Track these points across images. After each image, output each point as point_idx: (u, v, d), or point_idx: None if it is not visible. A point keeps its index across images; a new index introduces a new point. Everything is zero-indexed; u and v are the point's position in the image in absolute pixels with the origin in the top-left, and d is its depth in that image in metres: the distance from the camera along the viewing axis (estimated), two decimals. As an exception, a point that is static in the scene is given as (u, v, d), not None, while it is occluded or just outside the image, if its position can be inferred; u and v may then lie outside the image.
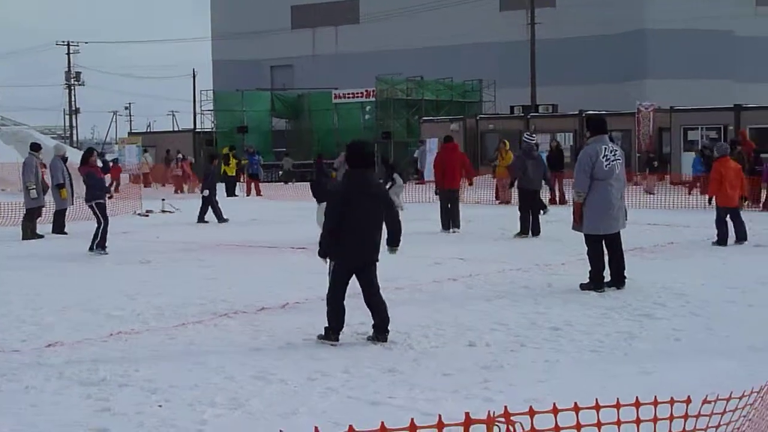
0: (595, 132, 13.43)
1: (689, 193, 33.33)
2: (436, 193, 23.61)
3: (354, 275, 10.16)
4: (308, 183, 27.18)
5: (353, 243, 10.00)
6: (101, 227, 18.87)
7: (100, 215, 18.96)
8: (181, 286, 14.26)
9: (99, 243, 18.79)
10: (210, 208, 26.45)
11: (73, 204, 23.78)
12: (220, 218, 26.32)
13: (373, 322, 10.17)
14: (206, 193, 26.48)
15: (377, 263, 10.30)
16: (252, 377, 8.62)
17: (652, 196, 32.14)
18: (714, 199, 19.15)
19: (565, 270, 15.26)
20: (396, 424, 4.49)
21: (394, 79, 56.71)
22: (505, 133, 43.76)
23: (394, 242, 10.42)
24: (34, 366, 9.22)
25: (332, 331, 10.05)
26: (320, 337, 10.08)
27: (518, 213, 21.37)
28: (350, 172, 10.23)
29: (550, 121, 48.33)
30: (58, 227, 23.31)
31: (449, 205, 22.64)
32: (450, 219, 22.35)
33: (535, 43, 56.65)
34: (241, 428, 6.82)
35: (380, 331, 10.12)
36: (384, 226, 10.25)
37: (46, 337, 10.62)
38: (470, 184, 26.40)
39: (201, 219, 26.41)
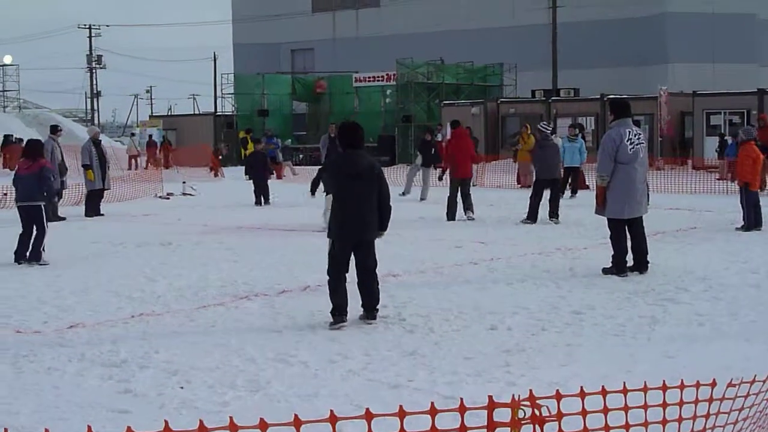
0: (618, 115, 13.33)
1: (722, 179, 32.43)
2: (440, 179, 23.28)
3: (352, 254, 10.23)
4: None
5: (346, 221, 10.08)
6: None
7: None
8: (202, 269, 14.26)
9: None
10: (258, 189, 26.46)
11: (105, 186, 23.70)
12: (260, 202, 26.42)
13: (361, 302, 10.20)
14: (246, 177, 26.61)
15: (374, 243, 10.35)
16: (272, 359, 8.60)
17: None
18: (746, 184, 18.43)
19: (587, 254, 15.18)
20: (416, 408, 4.43)
21: (415, 63, 56.52)
22: (526, 117, 43.56)
23: (380, 226, 10.38)
24: (56, 347, 9.23)
25: (336, 312, 10.04)
26: (331, 324, 10.03)
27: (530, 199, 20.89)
28: (342, 153, 10.43)
29: (571, 105, 48.08)
30: (92, 209, 23.22)
31: (460, 195, 21.37)
32: (465, 207, 21.39)
33: (557, 27, 56.35)
34: (262, 410, 6.78)
35: (369, 310, 10.19)
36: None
37: (67, 319, 10.63)
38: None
39: (266, 200, 26.36)
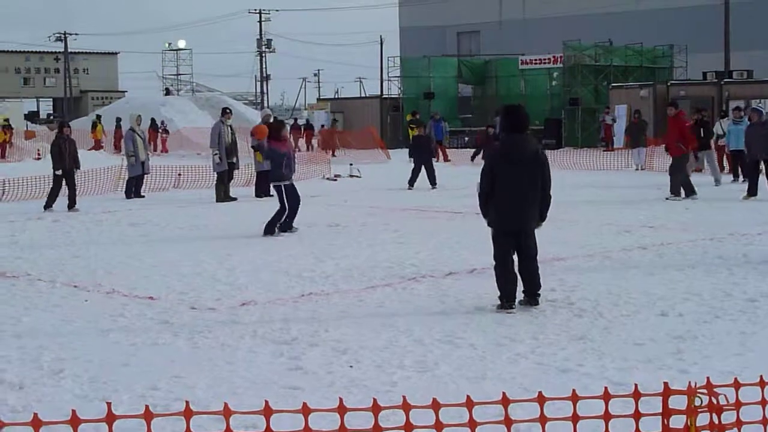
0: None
1: None
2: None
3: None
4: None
5: (507, 207, 9.94)
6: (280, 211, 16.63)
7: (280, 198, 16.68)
8: (369, 250, 14.41)
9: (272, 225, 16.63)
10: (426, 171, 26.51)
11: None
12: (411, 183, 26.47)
13: (523, 288, 10.10)
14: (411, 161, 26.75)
15: (536, 230, 10.21)
16: (440, 341, 8.63)
17: None
18: None
19: (762, 240, 14.73)
20: (586, 393, 4.42)
21: (582, 45, 55.72)
22: (697, 100, 42.46)
23: (540, 216, 10.21)
24: (229, 324, 9.48)
25: (504, 299, 9.97)
26: (498, 307, 10.01)
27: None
28: (506, 136, 10.20)
29: (744, 88, 46.64)
30: (264, 190, 23.40)
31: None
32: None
33: (729, 6, 54.68)
34: (430, 391, 6.81)
35: (530, 296, 10.08)
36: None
37: (239, 297, 10.90)
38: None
39: (433, 183, 26.40)
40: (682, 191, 21.36)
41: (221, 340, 8.82)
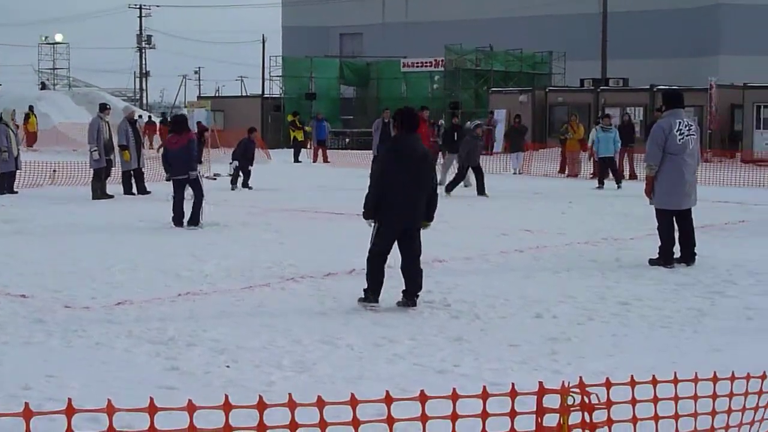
0: (670, 106, 13.23)
1: None
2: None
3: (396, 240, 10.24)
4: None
5: (398, 206, 10.04)
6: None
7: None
8: (249, 249, 14.34)
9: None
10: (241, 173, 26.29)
11: (141, 165, 23.89)
12: (234, 184, 26.17)
13: (404, 287, 10.20)
14: (235, 164, 26.37)
15: (422, 231, 10.35)
16: (318, 341, 8.64)
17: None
18: None
19: (634, 245, 15.09)
20: (464, 393, 4.42)
21: (463, 49, 56.35)
22: (575, 106, 43.30)
23: (427, 217, 10.39)
24: (105, 323, 9.33)
25: (370, 292, 10.10)
26: (360, 300, 10.13)
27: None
28: (399, 136, 10.38)
29: (620, 95, 47.69)
30: (129, 188, 23.52)
31: None
32: None
33: (607, 16, 55.89)
34: (308, 391, 6.80)
35: (409, 296, 10.17)
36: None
37: (115, 296, 10.73)
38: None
39: (245, 184, 26.20)
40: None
41: (96, 339, 8.67)
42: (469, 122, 27.85)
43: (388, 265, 10.26)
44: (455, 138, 27.15)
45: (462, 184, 24.31)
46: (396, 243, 10.26)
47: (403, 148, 10.20)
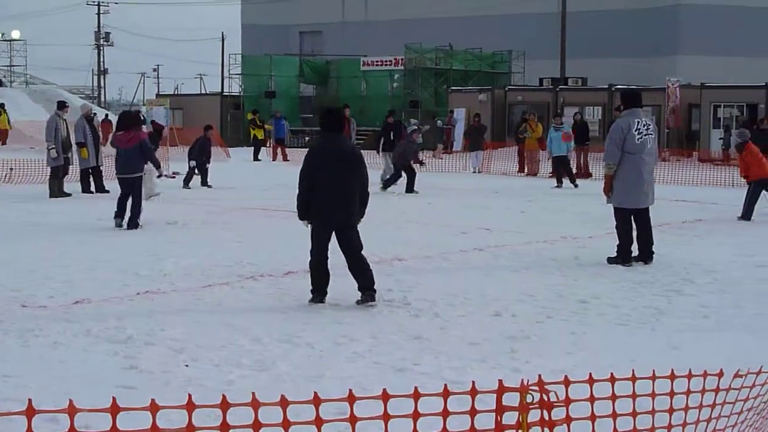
0: (628, 105, 13.33)
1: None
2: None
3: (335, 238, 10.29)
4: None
5: (328, 206, 10.09)
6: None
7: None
8: (208, 248, 14.29)
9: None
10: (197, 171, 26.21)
11: (99, 163, 23.73)
12: (187, 183, 26.13)
13: (357, 285, 10.24)
14: (193, 163, 26.26)
15: (357, 227, 10.38)
16: (278, 340, 8.63)
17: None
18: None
19: (593, 243, 15.19)
20: (424, 391, 4.43)
21: (423, 48, 56.43)
22: (534, 106, 43.50)
23: (359, 213, 10.43)
24: (62, 322, 9.26)
25: (317, 293, 10.19)
26: (310, 300, 10.21)
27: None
28: (324, 135, 10.48)
29: (579, 95, 47.97)
30: (87, 186, 23.36)
31: None
32: None
33: (566, 16, 56.17)
34: (268, 390, 6.79)
35: (365, 291, 10.20)
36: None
37: (73, 295, 10.66)
38: None
39: (204, 183, 26.14)
40: None
41: (53, 338, 8.61)
42: (406, 124, 28.00)
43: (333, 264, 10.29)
44: (391, 137, 27.20)
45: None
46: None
47: (327, 148, 10.26)
